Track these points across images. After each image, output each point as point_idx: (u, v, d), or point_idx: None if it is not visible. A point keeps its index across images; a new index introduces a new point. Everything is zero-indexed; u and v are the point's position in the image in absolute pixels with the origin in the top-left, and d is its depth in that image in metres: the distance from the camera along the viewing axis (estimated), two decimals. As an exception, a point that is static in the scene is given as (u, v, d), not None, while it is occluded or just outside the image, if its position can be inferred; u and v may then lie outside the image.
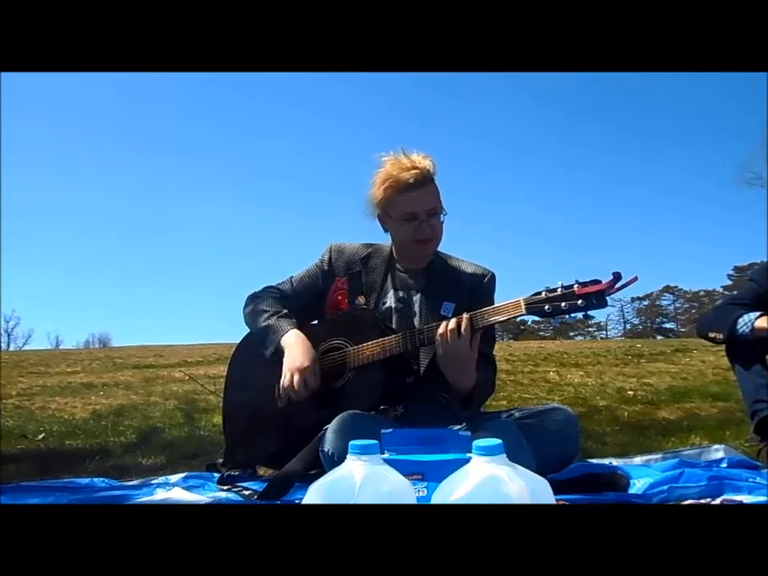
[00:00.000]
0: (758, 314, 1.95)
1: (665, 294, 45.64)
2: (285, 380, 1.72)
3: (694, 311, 39.57)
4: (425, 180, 1.76)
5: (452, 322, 1.57)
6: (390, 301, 1.85)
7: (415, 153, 1.80)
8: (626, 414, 3.86)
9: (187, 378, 5.80)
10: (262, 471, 2.01)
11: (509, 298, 1.59)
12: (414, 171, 1.75)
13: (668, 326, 45.07)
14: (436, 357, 1.65)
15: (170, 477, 1.97)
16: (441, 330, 1.58)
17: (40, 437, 3.28)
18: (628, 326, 45.38)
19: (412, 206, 1.76)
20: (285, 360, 1.74)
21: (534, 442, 1.51)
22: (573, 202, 63.53)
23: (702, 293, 42.41)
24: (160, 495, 1.69)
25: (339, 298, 1.87)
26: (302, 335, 1.78)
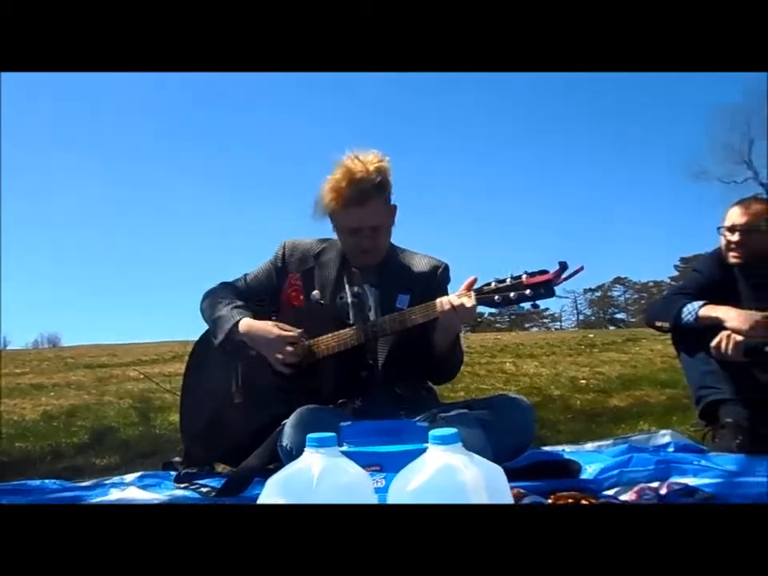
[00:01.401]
0: (701, 303, 2.02)
1: (616, 285, 46.84)
2: (270, 356, 1.73)
3: (643, 302, 40.70)
4: (368, 197, 1.72)
5: (454, 298, 1.59)
6: (347, 296, 1.86)
7: (370, 155, 1.76)
8: (578, 402, 3.97)
9: (142, 376, 5.69)
10: (220, 468, 1.99)
11: (459, 284, 1.64)
12: (359, 186, 1.71)
13: (619, 316, 46.30)
14: (408, 338, 1.70)
15: (124, 476, 1.94)
16: (446, 306, 1.58)
17: (-12, 440, 3.17)
18: (581, 317, 46.44)
19: (353, 222, 1.76)
20: (255, 341, 1.75)
21: (490, 431, 1.55)
22: (525, 192, 64.41)
23: (651, 284, 43.67)
24: (114, 495, 1.67)
25: (293, 294, 1.86)
26: (254, 319, 1.78)
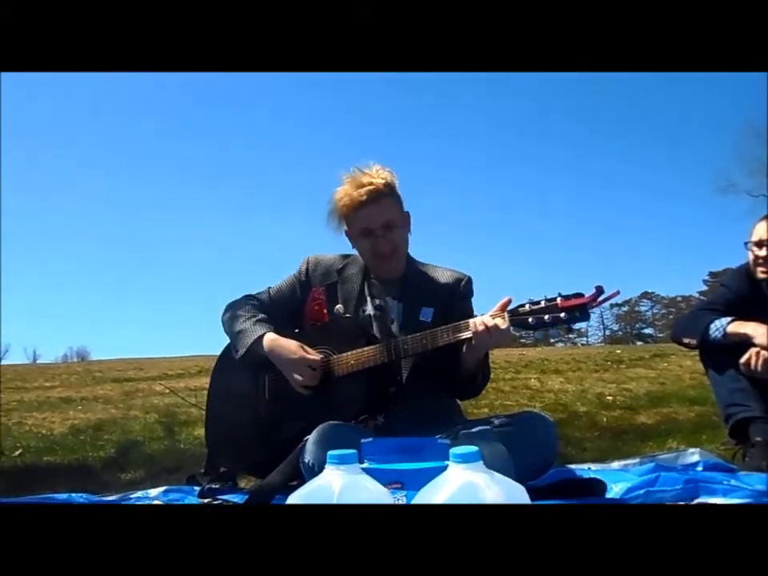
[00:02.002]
0: (729, 319, 1.99)
1: (643, 300, 46.25)
2: (290, 376, 1.73)
3: (671, 316, 40.03)
4: (378, 195, 1.78)
5: (488, 319, 1.57)
6: (369, 309, 1.86)
7: (374, 167, 1.84)
8: (605, 419, 3.91)
9: (168, 390, 5.75)
10: (243, 483, 2.00)
11: (488, 302, 1.64)
12: (367, 187, 1.77)
13: (647, 331, 45.65)
14: (431, 358, 1.70)
15: (149, 491, 1.95)
16: (480, 327, 1.57)
17: (17, 453, 3.23)
18: (608, 332, 45.88)
19: (366, 221, 1.79)
20: (277, 358, 1.76)
21: (512, 448, 1.52)
22: (553, 209, 64.09)
23: (679, 298, 43.02)
24: (140, 510, 1.68)
25: (317, 308, 1.88)
26: (278, 336, 1.79)
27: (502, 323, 1.56)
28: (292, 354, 1.74)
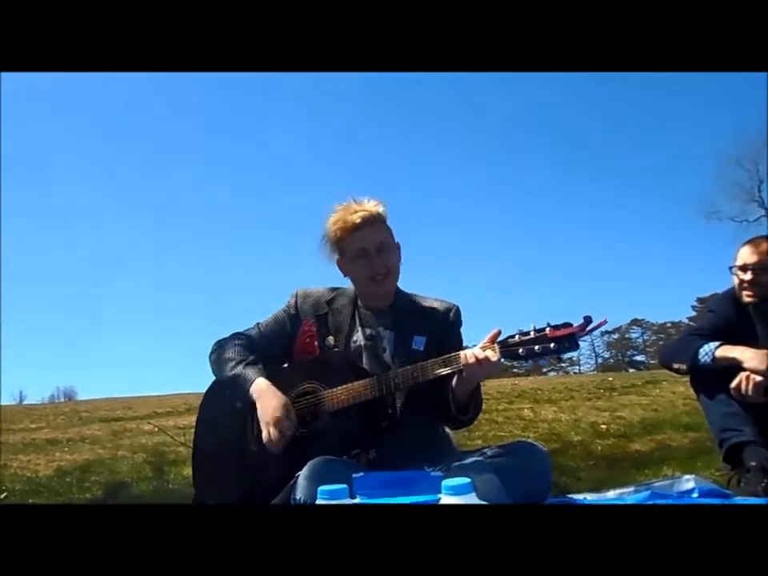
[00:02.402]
0: (717, 343, 2.00)
1: (633, 327, 46.39)
2: (263, 434, 1.69)
3: (661, 342, 40.15)
4: (373, 220, 1.83)
5: (479, 351, 1.58)
6: (360, 339, 1.86)
7: (366, 200, 1.88)
8: (599, 448, 3.89)
9: (156, 429, 5.66)
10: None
11: (476, 331, 1.65)
12: (361, 213, 1.82)
13: (638, 358, 45.64)
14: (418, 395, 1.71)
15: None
16: (471, 360, 1.57)
17: (2, 496, 3.16)
18: (600, 360, 45.88)
19: (361, 242, 1.82)
20: (258, 412, 1.72)
21: (505, 479, 1.51)
22: (541, 237, 64.67)
23: (668, 324, 43.18)
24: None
25: (308, 341, 1.87)
26: (269, 383, 1.76)
27: (493, 355, 1.56)
28: (273, 411, 1.69)
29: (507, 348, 1.55)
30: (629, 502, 1.79)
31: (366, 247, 1.81)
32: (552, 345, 1.49)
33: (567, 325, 1.49)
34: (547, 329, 1.50)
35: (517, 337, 1.54)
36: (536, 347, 1.51)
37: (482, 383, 1.75)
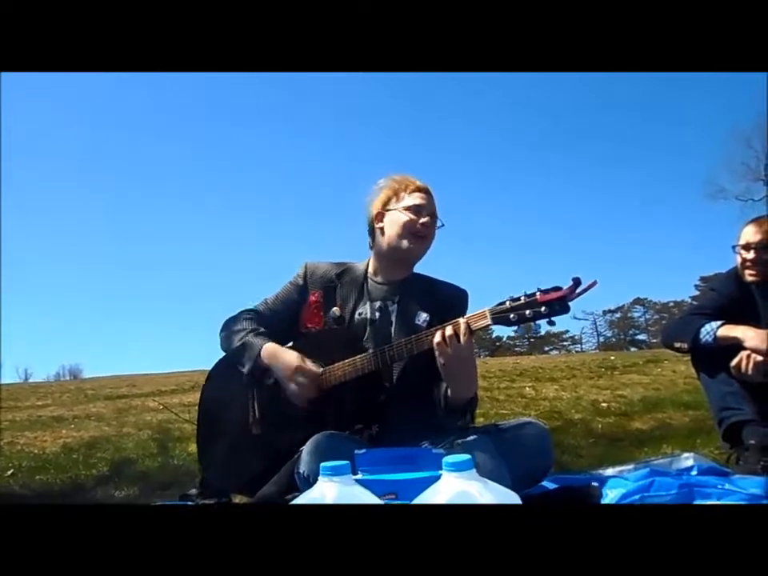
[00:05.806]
0: (719, 323, 2.00)
1: (636, 306, 46.40)
2: (288, 387, 1.74)
3: (663, 322, 40.15)
4: (432, 196, 1.92)
5: (448, 329, 1.58)
6: (366, 312, 1.87)
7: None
8: (600, 426, 3.91)
9: (161, 407, 5.71)
10: (237, 500, 1.99)
11: (476, 307, 1.63)
12: (421, 183, 1.92)
13: (640, 337, 45.71)
14: (414, 370, 1.71)
15: (143, 508, 1.94)
16: (437, 338, 1.58)
17: (9, 473, 3.20)
18: (601, 339, 45.94)
19: (421, 201, 1.88)
20: (275, 372, 1.77)
21: (507, 456, 1.53)
22: (544, 216, 64.37)
23: (671, 304, 43.13)
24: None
25: (314, 311, 1.88)
26: (278, 346, 1.80)
27: (483, 321, 1.57)
28: (290, 365, 1.74)
29: (498, 314, 1.55)
30: (628, 480, 1.81)
31: (424, 205, 1.88)
32: (543, 308, 1.49)
33: (557, 288, 1.49)
34: (537, 293, 1.51)
35: (507, 303, 1.54)
36: (527, 312, 1.51)
37: (480, 384, 1.75)
